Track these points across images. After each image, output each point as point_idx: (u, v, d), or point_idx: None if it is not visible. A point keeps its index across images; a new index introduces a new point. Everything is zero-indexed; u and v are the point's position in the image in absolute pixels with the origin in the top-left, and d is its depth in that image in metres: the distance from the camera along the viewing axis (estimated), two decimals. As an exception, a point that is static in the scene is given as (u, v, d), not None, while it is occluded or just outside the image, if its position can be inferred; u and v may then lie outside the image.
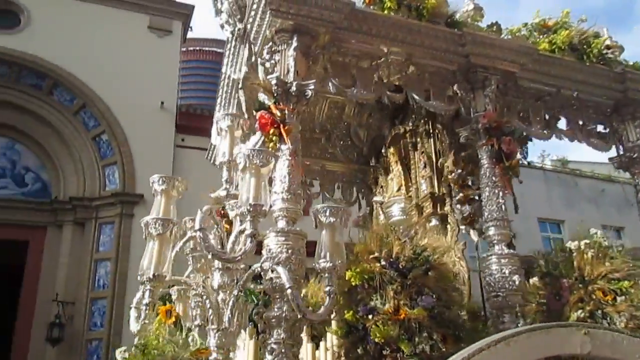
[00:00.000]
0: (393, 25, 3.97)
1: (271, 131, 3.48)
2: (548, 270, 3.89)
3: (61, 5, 12.02)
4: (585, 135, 4.72)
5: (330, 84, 3.92)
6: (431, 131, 5.09)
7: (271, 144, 3.46)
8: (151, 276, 2.86)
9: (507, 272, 3.65)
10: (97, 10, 12.20)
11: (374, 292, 3.22)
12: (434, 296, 3.16)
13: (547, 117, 4.57)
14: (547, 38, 4.43)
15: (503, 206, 3.89)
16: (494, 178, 3.95)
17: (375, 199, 5.52)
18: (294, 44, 3.72)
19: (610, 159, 4.82)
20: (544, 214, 16.02)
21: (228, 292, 3.16)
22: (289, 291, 2.69)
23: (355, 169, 6.17)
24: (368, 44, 4.01)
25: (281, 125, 3.48)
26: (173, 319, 2.82)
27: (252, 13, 3.80)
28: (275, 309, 2.87)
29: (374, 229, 3.52)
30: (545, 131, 4.55)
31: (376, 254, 3.32)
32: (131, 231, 10.69)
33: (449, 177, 4.65)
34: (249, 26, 3.95)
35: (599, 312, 3.65)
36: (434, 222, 4.63)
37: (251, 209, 2.85)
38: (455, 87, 4.28)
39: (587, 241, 3.87)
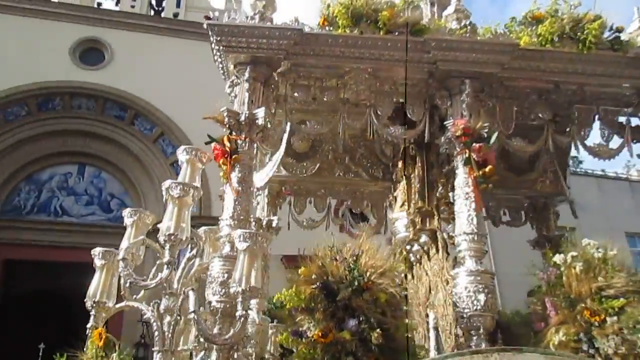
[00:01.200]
0: (348, 43, 3.94)
1: (221, 161, 3.67)
2: (533, 288, 3.50)
3: (140, 39, 13.25)
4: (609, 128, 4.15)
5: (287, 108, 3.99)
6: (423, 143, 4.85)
7: (222, 173, 3.66)
8: (93, 302, 3.18)
9: (471, 290, 3.36)
10: (172, 43, 13.26)
11: (308, 314, 3.20)
12: (362, 318, 3.04)
13: (550, 116, 4.11)
14: (534, 31, 4.02)
15: (475, 219, 3.60)
16: (466, 189, 3.69)
17: (389, 215, 5.37)
18: (246, 75, 3.89)
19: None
20: (633, 228, 14.06)
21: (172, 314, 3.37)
22: (191, 315, 2.82)
23: (385, 186, 6.05)
24: (327, 65, 4.03)
25: (230, 156, 3.65)
26: (102, 342, 3.10)
27: (216, 52, 4.04)
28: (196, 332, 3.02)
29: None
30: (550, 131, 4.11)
31: (313, 276, 3.29)
32: (212, 253, 11.30)
33: (436, 192, 4.40)
34: (219, 65, 4.20)
35: (586, 335, 3.18)
36: (423, 238, 4.38)
37: (169, 238, 3.05)
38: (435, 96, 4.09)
39: (574, 254, 3.41)
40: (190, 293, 2.99)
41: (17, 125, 12.27)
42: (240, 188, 3.65)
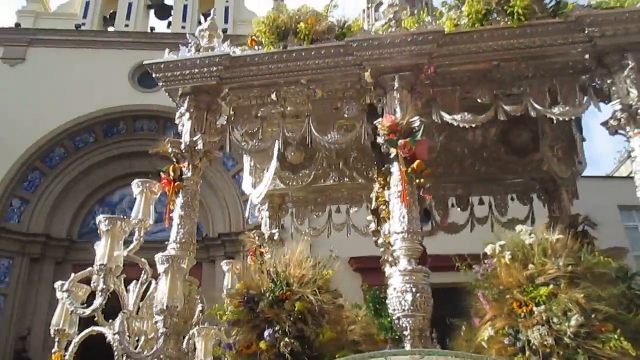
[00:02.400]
0: (274, 59, 4.06)
1: (166, 189, 3.97)
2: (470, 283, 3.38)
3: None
4: (563, 101, 3.88)
5: (235, 131, 4.19)
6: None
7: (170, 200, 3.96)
8: (55, 330, 3.61)
9: (399, 290, 3.33)
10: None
11: (238, 326, 3.37)
12: (277, 328, 3.16)
13: (491, 97, 3.92)
14: (462, 12, 3.86)
15: (406, 217, 3.54)
16: (399, 187, 3.64)
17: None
18: (185, 105, 4.16)
19: (602, 123, 3.81)
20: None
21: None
22: (112, 337, 3.12)
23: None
24: (262, 83, 4.17)
25: (173, 183, 3.94)
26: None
27: (162, 87, 4.36)
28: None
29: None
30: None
31: (243, 290, 3.46)
32: (278, 260, 11.69)
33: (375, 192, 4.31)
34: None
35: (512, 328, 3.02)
36: (380, 239, 4.31)
37: (102, 268, 3.38)
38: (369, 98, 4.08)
39: (503, 242, 3.24)
40: (120, 314, 3.29)
41: (87, 152, 13.47)
42: (183, 212, 3.91)
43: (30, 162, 12.91)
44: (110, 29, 15.83)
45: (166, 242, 3.82)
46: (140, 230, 3.99)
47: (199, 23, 16.24)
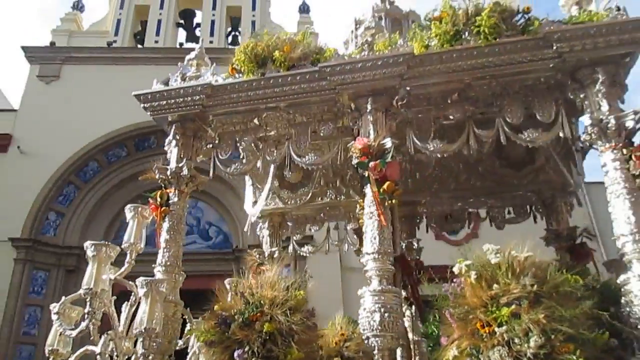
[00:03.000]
0: (252, 86, 4.23)
1: (154, 214, 4.17)
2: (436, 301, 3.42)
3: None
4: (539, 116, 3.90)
5: (216, 159, 4.37)
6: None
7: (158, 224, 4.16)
8: (49, 350, 3.83)
9: (369, 309, 3.40)
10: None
11: (213, 347, 3.51)
12: (246, 349, 3.28)
13: (465, 115, 3.97)
14: (431, 33, 3.93)
15: (377, 238, 3.62)
16: (372, 208, 3.72)
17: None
18: (172, 133, 4.36)
19: (577, 139, 3.80)
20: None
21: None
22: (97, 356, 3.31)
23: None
24: (243, 109, 4.33)
25: (163, 208, 4.14)
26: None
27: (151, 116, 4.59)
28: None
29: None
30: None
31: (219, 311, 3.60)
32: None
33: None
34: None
35: (474, 348, 3.05)
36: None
37: (88, 291, 3.59)
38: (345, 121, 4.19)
39: (469, 262, 3.28)
40: (104, 335, 3.48)
41: (119, 166, 13.95)
42: (168, 236, 4.09)
43: (65, 176, 13.47)
44: (140, 45, 16.44)
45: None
46: (132, 253, 4.18)
47: (227, 37, 16.82)
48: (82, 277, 12.24)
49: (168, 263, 4.01)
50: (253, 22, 16.43)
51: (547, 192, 5.59)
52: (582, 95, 3.76)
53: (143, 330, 3.38)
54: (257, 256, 6.07)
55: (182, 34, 17.62)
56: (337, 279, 11.85)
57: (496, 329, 3.00)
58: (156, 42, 15.92)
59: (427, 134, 4.05)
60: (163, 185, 4.30)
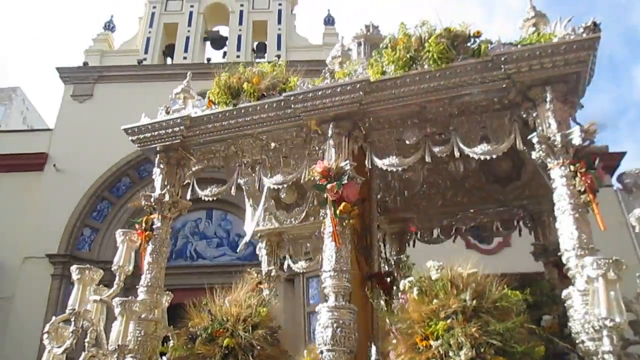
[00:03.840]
0: (226, 116, 4.55)
1: (140, 238, 4.54)
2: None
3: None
4: (492, 137, 4.03)
5: (194, 186, 4.71)
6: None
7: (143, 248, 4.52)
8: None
9: (322, 325, 3.61)
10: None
11: (185, 362, 3.81)
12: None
13: (420, 136, 4.15)
14: (384, 60, 4.15)
15: (334, 257, 3.83)
16: (330, 228, 3.94)
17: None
18: (156, 162, 4.73)
19: (530, 157, 3.89)
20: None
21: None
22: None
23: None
24: (220, 138, 4.66)
25: (146, 233, 4.51)
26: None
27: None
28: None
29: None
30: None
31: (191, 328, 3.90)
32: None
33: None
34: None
35: (415, 362, 3.21)
36: None
37: (72, 312, 3.96)
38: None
39: (411, 279, 3.45)
40: (83, 353, 3.82)
41: (150, 181, 14.37)
42: (151, 259, 4.43)
43: (99, 192, 14.16)
44: (169, 61, 17.16)
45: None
46: (121, 275, 4.54)
47: (253, 51, 17.25)
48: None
49: (149, 284, 4.33)
50: (279, 36, 16.99)
51: (534, 207, 5.63)
52: (534, 114, 3.86)
53: (117, 347, 3.70)
54: (256, 275, 6.35)
55: (209, 50, 18.34)
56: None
57: (432, 343, 3.15)
58: (184, 57, 16.53)
59: (388, 154, 4.23)
60: (149, 212, 4.65)
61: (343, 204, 3.90)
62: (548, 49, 3.74)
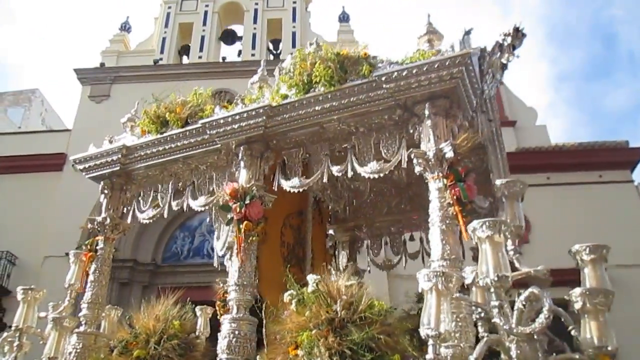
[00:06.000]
0: (155, 143, 5.01)
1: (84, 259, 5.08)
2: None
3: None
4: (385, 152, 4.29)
5: (136, 208, 5.20)
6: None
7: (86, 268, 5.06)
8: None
9: (223, 334, 3.98)
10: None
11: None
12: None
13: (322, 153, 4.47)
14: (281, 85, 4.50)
15: (237, 272, 4.21)
16: (236, 245, 4.32)
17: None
18: (99, 188, 5.25)
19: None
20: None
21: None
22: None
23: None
24: (153, 163, 5.13)
25: (90, 254, 5.04)
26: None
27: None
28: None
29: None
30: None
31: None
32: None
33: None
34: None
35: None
36: None
37: (17, 329, 4.53)
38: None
39: (292, 292, 3.77)
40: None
41: None
42: (93, 277, 4.95)
43: None
44: (185, 60, 17.61)
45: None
46: (72, 293, 5.08)
47: (268, 49, 17.59)
48: (135, 289, 13.59)
49: (91, 300, 4.83)
50: (293, 33, 17.29)
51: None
52: (420, 129, 4.09)
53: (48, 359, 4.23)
54: (222, 285, 6.78)
55: (224, 48, 18.59)
56: (384, 286, 12.15)
57: (298, 352, 3.46)
58: (200, 57, 16.94)
59: (296, 172, 4.56)
60: (95, 234, 5.18)
61: (245, 222, 4.27)
62: (423, 67, 3.96)
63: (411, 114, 4.17)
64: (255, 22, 17.63)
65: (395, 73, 4.04)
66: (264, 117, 4.49)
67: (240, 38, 18.20)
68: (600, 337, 2.99)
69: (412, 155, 3.94)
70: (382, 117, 4.29)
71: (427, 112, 4.00)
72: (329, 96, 4.29)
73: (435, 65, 3.93)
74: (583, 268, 3.39)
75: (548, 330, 3.58)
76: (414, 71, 3.98)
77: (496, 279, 2.97)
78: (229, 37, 18.63)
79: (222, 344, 3.98)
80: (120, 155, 5.16)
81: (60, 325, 4.41)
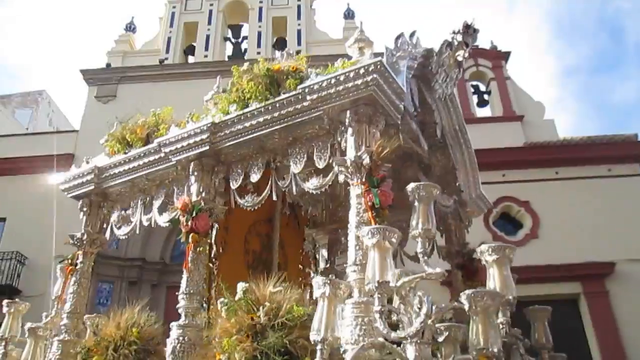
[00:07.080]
0: (121, 163, 5.41)
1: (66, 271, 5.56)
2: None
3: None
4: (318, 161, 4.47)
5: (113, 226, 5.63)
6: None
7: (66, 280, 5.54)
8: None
9: (171, 339, 4.30)
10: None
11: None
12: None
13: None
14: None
15: (186, 280, 4.52)
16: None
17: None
18: (80, 206, 5.72)
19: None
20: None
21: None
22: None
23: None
24: (122, 181, 5.54)
25: (70, 267, 5.52)
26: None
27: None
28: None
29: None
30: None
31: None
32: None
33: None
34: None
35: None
36: None
37: (2, 338, 5.04)
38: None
39: (224, 299, 4.03)
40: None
41: None
42: (72, 290, 5.41)
43: None
44: (190, 60, 17.74)
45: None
46: (58, 303, 5.56)
47: (273, 47, 17.44)
48: (143, 288, 14.14)
49: (70, 310, 5.28)
50: (299, 31, 17.33)
51: (440, 210, 5.82)
52: (345, 137, 4.24)
53: (25, 365, 4.70)
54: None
55: (230, 47, 18.48)
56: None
57: (221, 357, 3.72)
58: (205, 56, 17.03)
59: (247, 188, 4.81)
60: (77, 248, 5.65)
61: (192, 234, 4.57)
62: (340, 77, 4.11)
63: (338, 123, 4.32)
64: (260, 20, 17.70)
65: (316, 85, 4.21)
66: (209, 134, 4.77)
67: (246, 37, 18.08)
68: (486, 339, 3.05)
69: (334, 164, 4.10)
70: (313, 127, 4.47)
71: (347, 121, 4.15)
72: (262, 110, 4.52)
73: (351, 75, 4.07)
74: (488, 268, 3.45)
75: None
76: (332, 82, 4.14)
77: (377, 285, 3.10)
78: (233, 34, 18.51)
79: (168, 349, 4.29)
80: (93, 175, 5.61)
81: (35, 334, 4.89)
